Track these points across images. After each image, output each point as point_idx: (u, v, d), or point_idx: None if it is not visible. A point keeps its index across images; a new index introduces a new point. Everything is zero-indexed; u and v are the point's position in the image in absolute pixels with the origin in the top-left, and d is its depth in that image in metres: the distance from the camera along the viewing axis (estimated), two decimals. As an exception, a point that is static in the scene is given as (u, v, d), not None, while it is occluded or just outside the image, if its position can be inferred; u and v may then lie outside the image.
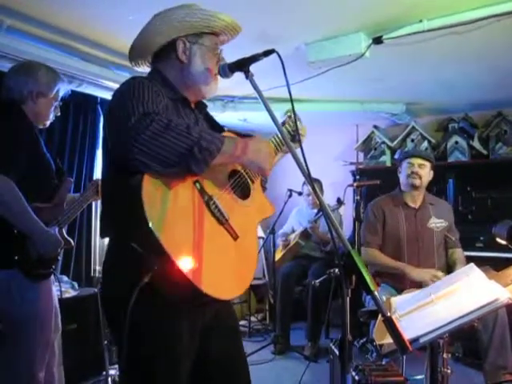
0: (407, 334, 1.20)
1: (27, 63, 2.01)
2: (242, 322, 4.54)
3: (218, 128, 1.49)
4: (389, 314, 1.02)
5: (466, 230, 3.21)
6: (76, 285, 3.14)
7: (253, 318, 4.57)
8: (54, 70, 2.00)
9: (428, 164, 2.87)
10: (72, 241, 2.06)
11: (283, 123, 1.58)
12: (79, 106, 3.54)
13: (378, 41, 2.57)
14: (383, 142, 4.47)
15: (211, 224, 1.24)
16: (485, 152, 4.03)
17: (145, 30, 1.39)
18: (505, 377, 2.40)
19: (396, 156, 4.35)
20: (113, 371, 2.94)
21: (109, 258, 1.29)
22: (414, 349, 1.43)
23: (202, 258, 1.16)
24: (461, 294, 1.67)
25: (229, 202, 1.32)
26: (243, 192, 1.41)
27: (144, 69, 1.49)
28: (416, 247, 2.79)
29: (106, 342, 2.87)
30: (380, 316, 1.42)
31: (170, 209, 1.14)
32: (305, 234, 4.10)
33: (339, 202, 3.60)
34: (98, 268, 3.67)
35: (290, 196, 4.19)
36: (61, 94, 2.00)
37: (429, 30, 2.40)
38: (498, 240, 2.33)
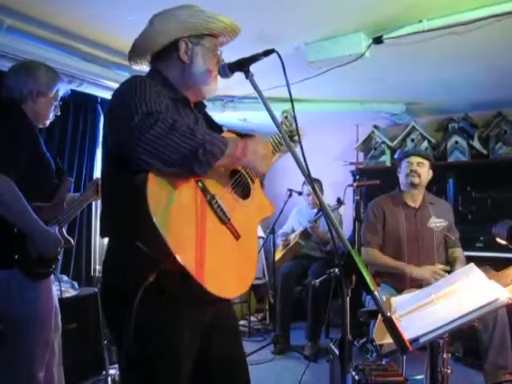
0: (407, 334, 1.20)
1: (27, 63, 2.01)
2: (241, 322, 4.54)
3: (216, 128, 1.49)
4: (389, 314, 1.02)
5: (465, 230, 3.20)
6: (76, 284, 3.14)
7: (253, 318, 4.57)
8: (54, 70, 2.00)
9: (427, 162, 2.87)
10: (72, 240, 2.06)
11: (280, 124, 1.58)
12: (79, 105, 3.54)
13: (377, 41, 2.57)
14: (383, 142, 4.47)
15: (214, 223, 1.25)
16: (485, 152, 4.04)
17: (147, 30, 1.39)
18: (505, 377, 2.40)
19: (396, 156, 4.35)
20: (112, 371, 2.95)
21: (109, 258, 1.29)
22: (413, 349, 1.43)
23: (205, 257, 1.16)
24: (461, 294, 1.67)
25: (230, 202, 1.32)
26: (243, 191, 1.41)
27: (142, 67, 1.49)
28: (416, 247, 2.79)
29: (105, 342, 2.87)
30: (380, 316, 1.42)
31: (174, 208, 1.14)
32: (305, 234, 4.10)
33: (339, 201, 3.60)
34: (98, 267, 3.67)
35: (290, 196, 4.19)
36: (60, 93, 2.00)
37: (428, 30, 2.41)
38: (498, 240, 2.33)
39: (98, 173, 3.64)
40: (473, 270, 1.79)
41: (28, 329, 1.78)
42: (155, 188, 1.11)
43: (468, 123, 4.19)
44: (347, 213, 4.13)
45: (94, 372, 2.97)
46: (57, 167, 1.96)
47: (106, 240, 1.34)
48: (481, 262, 1.99)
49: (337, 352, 2.02)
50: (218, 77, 1.42)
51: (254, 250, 1.42)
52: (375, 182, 3.25)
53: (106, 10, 2.32)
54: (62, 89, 2.00)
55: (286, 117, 1.61)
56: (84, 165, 3.59)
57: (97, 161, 3.71)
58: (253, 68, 1.31)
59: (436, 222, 2.83)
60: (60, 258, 2.11)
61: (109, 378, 2.84)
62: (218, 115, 4.08)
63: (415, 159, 2.86)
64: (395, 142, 4.42)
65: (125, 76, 2.81)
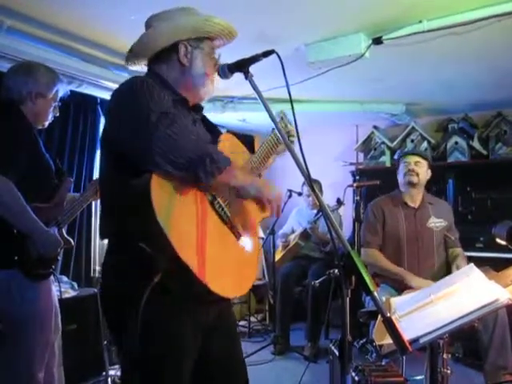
0: (407, 335, 1.21)
1: (26, 63, 2.01)
2: (241, 323, 4.54)
3: (213, 129, 1.50)
4: (388, 315, 1.02)
5: (465, 231, 3.20)
6: (76, 285, 3.13)
7: (252, 319, 4.57)
8: (53, 71, 2.00)
9: (424, 162, 2.88)
10: (72, 240, 2.06)
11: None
12: (79, 106, 3.53)
13: (377, 41, 2.57)
14: (383, 143, 4.47)
15: (216, 223, 1.26)
16: (484, 152, 4.04)
17: (146, 32, 1.39)
18: (505, 377, 2.40)
19: (395, 157, 4.36)
20: (112, 371, 2.95)
21: (110, 259, 1.29)
22: (413, 349, 1.43)
23: (208, 257, 1.17)
24: (461, 295, 1.67)
25: (231, 202, 1.33)
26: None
27: (140, 68, 1.49)
28: (416, 247, 2.79)
29: (105, 343, 2.87)
30: (380, 316, 1.42)
31: (177, 208, 1.14)
32: (304, 235, 4.09)
33: (339, 202, 3.60)
34: (97, 268, 3.66)
35: (290, 196, 4.20)
36: (60, 94, 2.00)
37: (428, 31, 2.41)
38: (498, 240, 2.33)
39: (97, 173, 3.64)
40: (473, 270, 1.79)
41: (28, 329, 1.78)
42: (159, 189, 1.11)
43: (468, 124, 4.19)
44: (347, 213, 4.13)
45: (93, 373, 2.97)
46: (56, 168, 1.96)
47: (106, 241, 1.34)
48: (481, 263, 1.99)
49: (336, 352, 2.02)
50: (218, 77, 1.42)
51: (255, 248, 1.43)
52: (375, 182, 3.25)
53: (105, 10, 2.32)
54: (62, 90, 2.00)
55: (282, 117, 1.61)
56: (84, 165, 3.59)
57: (96, 161, 3.70)
58: (252, 69, 1.32)
59: (435, 222, 2.83)
60: (60, 258, 2.11)
61: (109, 379, 2.84)
62: (218, 116, 4.08)
63: (413, 159, 2.87)
64: (395, 143, 4.42)
65: (124, 77, 2.81)
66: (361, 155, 4.74)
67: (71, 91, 2.66)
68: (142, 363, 1.19)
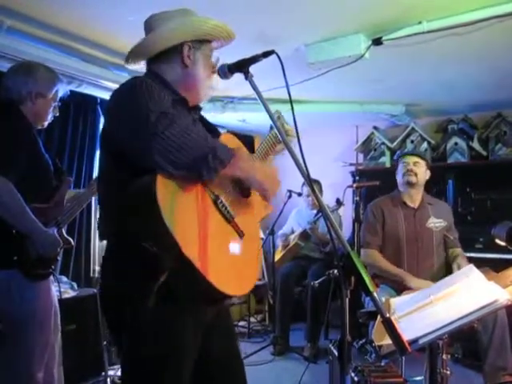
0: (406, 335, 1.20)
1: (26, 63, 2.01)
2: (241, 323, 4.54)
3: (212, 130, 1.50)
4: (388, 315, 1.02)
5: (465, 231, 3.21)
6: (75, 285, 3.13)
7: (252, 319, 4.57)
8: (53, 71, 2.00)
9: (422, 162, 2.89)
10: (72, 240, 2.06)
11: (273, 127, 1.59)
12: (79, 106, 3.54)
13: (377, 42, 2.58)
14: (383, 143, 4.48)
15: (219, 222, 1.26)
16: (484, 153, 4.04)
17: (153, 31, 1.39)
18: (504, 378, 2.40)
19: (395, 157, 4.36)
20: (112, 372, 2.95)
21: (109, 259, 1.28)
22: (413, 350, 1.43)
23: (212, 256, 1.17)
24: (460, 295, 1.67)
25: (233, 201, 1.34)
26: (244, 191, 1.42)
27: (138, 67, 1.49)
28: (415, 247, 2.79)
29: (105, 343, 2.87)
30: (379, 317, 1.42)
31: (181, 208, 1.14)
32: (304, 235, 4.09)
33: (338, 202, 3.60)
34: (97, 268, 3.66)
35: (290, 197, 4.20)
36: (59, 94, 2.00)
37: (428, 32, 2.41)
38: (498, 241, 2.33)
39: (97, 173, 3.64)
40: (472, 271, 1.79)
41: (27, 329, 1.78)
42: (163, 188, 1.11)
43: (467, 124, 4.19)
44: (347, 214, 4.13)
45: (93, 373, 2.96)
46: (56, 167, 1.96)
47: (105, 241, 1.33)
48: (480, 263, 1.99)
49: (336, 353, 2.02)
50: (218, 77, 1.42)
51: (256, 248, 1.44)
52: (375, 183, 3.25)
53: (105, 10, 2.32)
54: (61, 90, 2.00)
55: (279, 117, 1.61)
56: (83, 165, 3.58)
57: (96, 161, 3.70)
58: (252, 69, 1.32)
59: (435, 222, 2.84)
60: (59, 258, 2.11)
61: (108, 379, 2.84)
62: (218, 116, 4.09)
63: (412, 159, 2.88)
64: (395, 143, 4.42)
65: (124, 77, 2.81)
66: (361, 156, 4.74)
67: (71, 91, 2.66)
68: (142, 363, 1.19)
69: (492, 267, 2.12)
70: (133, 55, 1.43)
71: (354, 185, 3.45)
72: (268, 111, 1.25)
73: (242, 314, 4.71)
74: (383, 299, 2.08)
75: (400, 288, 2.61)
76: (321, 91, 3.72)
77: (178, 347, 1.22)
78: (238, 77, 1.35)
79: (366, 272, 1.03)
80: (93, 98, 3.62)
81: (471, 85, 3.54)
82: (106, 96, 3.43)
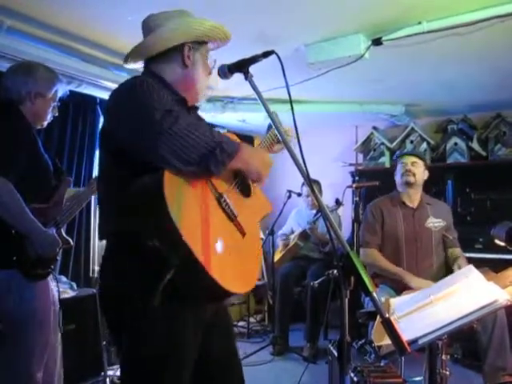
0: (406, 336, 1.21)
1: (25, 63, 2.01)
2: (240, 323, 4.54)
3: None
4: (387, 316, 1.02)
5: (464, 232, 3.21)
6: (75, 285, 3.13)
7: (252, 319, 4.57)
8: (53, 71, 2.00)
9: (420, 162, 2.90)
10: (71, 240, 2.06)
11: (271, 126, 1.61)
12: (78, 106, 3.53)
13: (377, 42, 2.58)
14: (382, 143, 4.48)
15: (223, 220, 1.28)
16: (484, 153, 4.04)
17: (154, 31, 1.40)
18: (504, 378, 2.40)
19: (394, 158, 4.36)
20: (111, 372, 2.95)
21: (109, 259, 1.28)
22: (412, 350, 1.43)
23: (216, 253, 1.18)
24: (460, 296, 1.67)
25: (236, 200, 1.35)
26: (244, 190, 1.43)
27: (136, 66, 1.49)
28: (414, 247, 2.80)
29: (104, 343, 2.86)
30: (379, 317, 1.42)
31: (187, 205, 1.15)
32: (304, 235, 4.10)
33: (338, 202, 3.60)
34: (96, 268, 3.65)
35: (290, 197, 4.19)
36: (59, 94, 2.00)
37: (428, 32, 2.41)
38: (497, 241, 2.33)
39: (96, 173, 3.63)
40: (472, 271, 1.79)
41: (27, 329, 1.78)
42: (170, 186, 1.12)
43: (467, 125, 4.19)
44: (346, 214, 4.13)
45: (92, 373, 2.96)
46: (55, 168, 1.96)
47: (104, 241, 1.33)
48: (480, 264, 1.99)
49: (335, 353, 2.01)
50: (218, 77, 1.42)
51: (257, 247, 1.45)
52: (374, 183, 3.25)
53: (105, 10, 2.32)
54: (61, 90, 2.00)
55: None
56: (83, 165, 3.58)
57: (96, 161, 3.70)
58: (252, 69, 1.32)
59: (434, 222, 2.84)
60: (59, 258, 2.11)
61: (107, 379, 2.84)
62: (218, 116, 4.08)
63: (410, 159, 2.90)
64: (394, 144, 4.42)
65: (124, 77, 2.81)
66: (360, 156, 4.74)
67: (71, 91, 2.66)
68: (143, 363, 1.19)
69: (491, 267, 2.12)
70: (133, 55, 1.44)
71: (354, 185, 3.45)
72: (268, 111, 1.26)
73: (242, 314, 4.70)
74: (383, 299, 2.08)
75: (400, 288, 2.61)
76: (321, 91, 3.72)
77: (178, 346, 1.22)
78: (238, 77, 1.35)
79: (366, 272, 1.03)
80: (92, 98, 3.62)
81: (471, 85, 3.54)
82: (106, 96, 3.43)
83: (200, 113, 1.54)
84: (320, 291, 3.44)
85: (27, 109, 1.87)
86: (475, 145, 4.06)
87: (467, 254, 3.07)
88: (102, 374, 2.88)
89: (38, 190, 1.85)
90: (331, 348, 2.15)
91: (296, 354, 3.65)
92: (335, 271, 1.08)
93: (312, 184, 1.15)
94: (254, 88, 1.28)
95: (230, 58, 1.36)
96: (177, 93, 1.38)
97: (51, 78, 1.94)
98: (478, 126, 4.23)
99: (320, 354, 3.58)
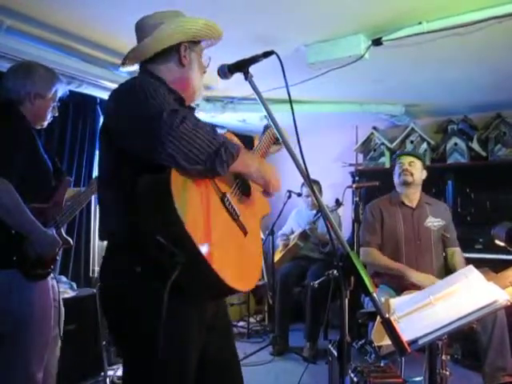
0: (406, 336, 1.21)
1: (25, 64, 2.00)
2: (240, 323, 4.54)
3: None
4: (387, 316, 1.02)
5: (464, 232, 3.21)
6: (74, 285, 3.13)
7: (252, 319, 4.57)
8: (52, 71, 1.99)
9: (418, 162, 2.91)
10: (71, 240, 2.06)
11: (267, 127, 1.62)
12: (78, 106, 3.53)
13: (377, 42, 2.58)
14: (382, 144, 4.48)
15: (226, 220, 1.29)
16: (484, 154, 4.04)
17: (143, 34, 1.40)
18: (504, 378, 2.40)
19: (392, 158, 4.36)
20: (111, 372, 2.95)
21: (110, 259, 1.27)
22: (412, 350, 1.43)
23: (220, 252, 1.18)
24: (460, 296, 1.67)
25: (238, 200, 1.37)
26: (245, 190, 1.44)
27: (132, 68, 1.49)
28: (414, 246, 2.80)
29: (104, 343, 2.86)
30: (379, 317, 1.42)
31: (192, 204, 1.16)
32: (304, 235, 4.10)
33: (338, 203, 3.60)
34: (96, 268, 3.66)
35: (289, 197, 4.19)
36: (59, 94, 1.99)
37: (428, 32, 2.41)
38: (497, 242, 2.33)
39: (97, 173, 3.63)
40: (471, 271, 1.79)
41: (27, 329, 1.78)
42: (176, 184, 1.12)
43: (467, 125, 4.19)
44: (346, 214, 4.13)
45: (92, 373, 2.96)
46: (55, 168, 1.96)
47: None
48: (479, 264, 1.99)
49: (335, 353, 2.02)
50: (218, 78, 1.43)
51: (259, 246, 1.46)
52: (374, 183, 3.26)
53: (105, 10, 2.32)
54: (61, 90, 2.00)
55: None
56: (83, 165, 3.58)
57: (96, 161, 3.70)
58: (252, 69, 1.32)
59: (433, 222, 2.85)
60: (59, 258, 2.11)
61: (107, 379, 2.84)
62: (218, 116, 4.08)
63: (407, 159, 2.91)
64: (394, 144, 4.42)
65: (124, 77, 2.80)
66: (360, 156, 4.74)
67: (70, 91, 2.66)
68: (148, 363, 1.18)
69: (491, 268, 2.12)
70: (130, 57, 1.43)
71: (354, 185, 3.45)
72: (268, 112, 1.26)
73: (242, 315, 4.70)
74: (383, 299, 2.08)
75: (400, 288, 2.62)
76: (321, 91, 3.72)
77: (183, 346, 1.22)
78: (238, 77, 1.35)
79: (366, 272, 1.03)
80: (92, 98, 3.62)
81: (471, 85, 3.54)
82: (106, 96, 3.40)
83: (200, 113, 1.54)
84: (320, 291, 3.44)
85: (27, 109, 1.87)
86: (475, 145, 4.06)
87: (467, 254, 3.08)
88: (102, 374, 2.88)
89: (37, 190, 1.85)
90: (331, 348, 2.15)
91: (296, 354, 3.65)
92: (335, 271, 1.08)
93: (312, 184, 1.15)
94: (254, 88, 1.28)
95: (230, 58, 1.36)
96: (176, 92, 1.38)
97: (50, 79, 1.94)
98: (478, 126, 4.23)
99: (320, 354, 3.58)
